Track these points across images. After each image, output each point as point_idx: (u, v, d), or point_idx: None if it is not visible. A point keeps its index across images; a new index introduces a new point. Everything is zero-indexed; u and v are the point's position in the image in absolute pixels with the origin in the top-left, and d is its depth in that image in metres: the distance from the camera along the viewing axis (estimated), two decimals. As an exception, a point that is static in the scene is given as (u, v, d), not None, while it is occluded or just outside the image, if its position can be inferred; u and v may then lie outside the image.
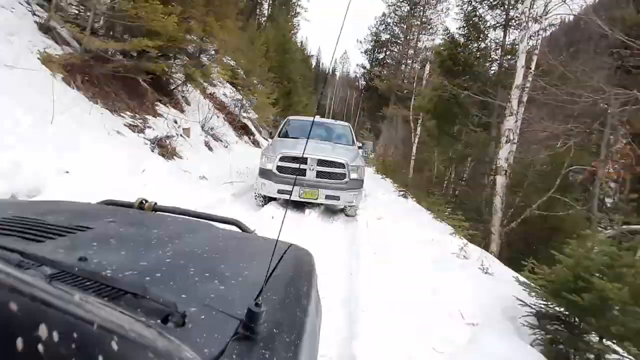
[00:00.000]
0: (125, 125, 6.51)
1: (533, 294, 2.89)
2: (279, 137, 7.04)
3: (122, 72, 7.07)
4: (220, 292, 0.71)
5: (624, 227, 8.41)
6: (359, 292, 2.84)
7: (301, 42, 58.36)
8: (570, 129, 6.78)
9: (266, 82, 16.31)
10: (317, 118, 8.67)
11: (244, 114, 13.99)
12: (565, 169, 7.15)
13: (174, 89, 9.97)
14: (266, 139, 16.86)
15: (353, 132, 7.65)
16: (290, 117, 8.07)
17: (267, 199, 5.88)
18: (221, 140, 10.46)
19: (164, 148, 6.79)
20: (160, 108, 8.43)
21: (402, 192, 8.20)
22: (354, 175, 5.73)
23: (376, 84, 32.30)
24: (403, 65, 37.65)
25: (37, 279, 0.34)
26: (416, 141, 16.42)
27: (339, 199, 5.64)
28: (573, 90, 6.18)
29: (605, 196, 8.28)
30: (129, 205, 1.22)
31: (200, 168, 7.14)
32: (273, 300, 0.74)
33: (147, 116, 7.43)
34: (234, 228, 1.24)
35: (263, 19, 30.29)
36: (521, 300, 2.89)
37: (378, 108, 33.80)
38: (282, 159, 5.59)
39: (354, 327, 2.38)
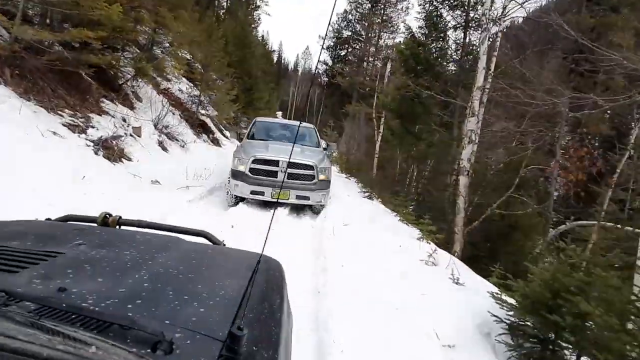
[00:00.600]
0: (63, 124, 5.82)
1: (507, 308, 2.80)
2: (247, 139, 7.23)
3: (60, 66, 6.33)
4: (201, 314, 0.71)
5: (575, 222, 8.86)
6: (328, 319, 2.59)
7: (262, 37, 57.23)
8: (527, 130, 6.92)
9: (225, 77, 15.65)
10: (284, 120, 9.81)
11: (202, 111, 13.30)
12: (523, 168, 7.34)
13: (122, 84, 9.19)
14: (227, 137, 16.25)
15: (318, 134, 7.95)
16: (258, 119, 8.30)
17: (239, 199, 6.05)
18: (177, 140, 9.82)
19: (109, 150, 6.15)
20: (107, 105, 7.70)
21: (367, 194, 8.07)
22: (322, 177, 6.09)
23: (338, 81, 32.28)
24: (365, 63, 37.94)
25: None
26: (379, 139, 16.48)
27: (309, 199, 5.98)
28: (531, 91, 6.29)
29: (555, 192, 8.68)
30: (91, 221, 1.18)
31: (152, 171, 6.58)
32: (250, 318, 0.75)
33: (90, 114, 6.72)
34: (203, 240, 1.23)
35: (222, 11, 29.18)
36: (496, 316, 2.78)
37: (341, 105, 33.85)
38: (255, 161, 5.85)
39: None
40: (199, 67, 13.24)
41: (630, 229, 7.90)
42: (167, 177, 6.60)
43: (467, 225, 7.64)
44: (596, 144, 9.32)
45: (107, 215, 1.18)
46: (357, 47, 43.35)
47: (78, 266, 0.79)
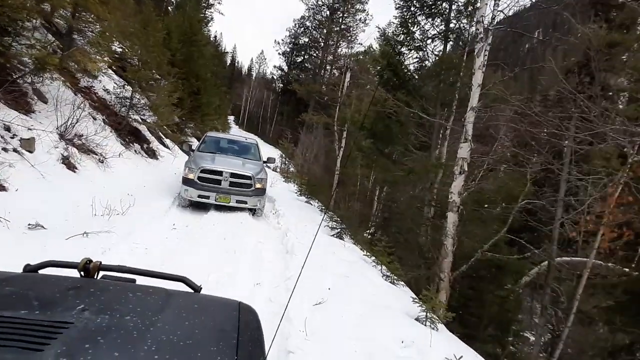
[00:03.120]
0: None
1: None
2: (198, 151, 8.24)
3: None
4: None
5: (558, 259, 8.02)
6: None
7: (215, 37, 54.43)
8: (527, 159, 5.86)
9: (167, 77, 13.51)
10: (230, 135, 11.55)
11: (136, 117, 11.10)
12: (520, 202, 6.29)
13: (17, 78, 6.94)
14: (167, 148, 14.01)
15: (259, 149, 9.10)
16: (208, 134, 9.51)
17: (189, 202, 7.11)
18: (94, 153, 7.69)
19: (-37, 177, 4.09)
20: (-18, 107, 5.52)
21: (337, 230, 6.59)
22: (258, 185, 7.19)
23: (295, 88, 30.86)
24: (322, 71, 36.94)
25: None
26: (341, 154, 15.19)
27: (246, 203, 7.12)
28: (535, 118, 5.21)
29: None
30: (72, 266, 1.16)
31: (38, 206, 4.57)
32: None
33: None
34: (182, 285, 1.26)
35: (171, 7, 26.61)
36: None
37: (297, 113, 32.45)
38: (203, 171, 6.98)
39: None
40: (133, 62, 11.07)
41: (621, 268, 7.13)
42: (60, 215, 4.62)
43: (453, 269, 6.42)
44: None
45: (89, 262, 1.17)
46: (315, 54, 42.34)
47: (92, 339, 0.81)
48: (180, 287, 1.21)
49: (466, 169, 6.05)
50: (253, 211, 7.34)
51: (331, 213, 7.95)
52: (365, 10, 33.90)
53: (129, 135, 10.62)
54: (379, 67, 8.04)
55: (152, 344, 0.83)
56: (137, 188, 7.22)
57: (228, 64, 67.61)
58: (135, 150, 10.44)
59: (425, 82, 7.95)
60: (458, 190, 6.07)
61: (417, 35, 8.02)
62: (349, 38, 34.65)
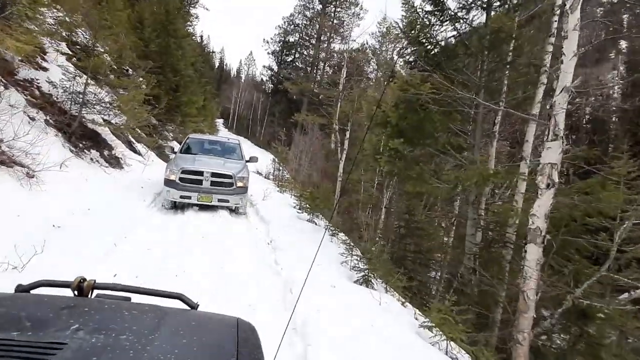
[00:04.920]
0: None
1: None
2: (180, 152, 8.37)
3: None
4: None
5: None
6: None
7: (201, 37, 52.10)
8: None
9: (137, 69, 11.38)
10: (212, 137, 11.40)
11: (95, 116, 8.94)
12: (628, 224, 4.33)
13: None
14: (139, 154, 11.82)
15: (242, 149, 9.04)
16: (190, 135, 9.58)
17: (174, 203, 7.26)
18: (20, 165, 5.55)
19: None
20: None
21: (361, 274, 4.50)
22: (240, 184, 7.33)
23: (286, 87, 28.80)
24: (315, 69, 34.97)
25: None
26: (343, 158, 13.16)
27: (228, 202, 7.29)
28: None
29: None
30: (66, 285, 1.14)
31: None
32: None
33: None
34: (178, 302, 1.22)
35: None
36: None
37: (289, 114, 30.40)
38: (184, 172, 7.16)
39: None
40: (86, 46, 8.93)
41: None
42: None
43: (533, 326, 4.42)
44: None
45: (82, 280, 1.15)
46: (305, 53, 40.35)
47: (86, 359, 0.79)
48: (177, 304, 1.16)
49: (557, 179, 4.06)
50: (234, 210, 7.49)
51: (347, 240, 5.94)
52: (358, 3, 32.03)
53: (84, 140, 8.46)
54: (405, 42, 6.11)
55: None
56: (74, 214, 5.09)
57: (216, 67, 65.47)
58: (91, 159, 8.28)
59: (464, 60, 6.03)
60: (545, 212, 4.08)
61: (450, 2, 6.15)
62: (343, 33, 32.70)
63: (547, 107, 4.13)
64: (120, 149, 9.69)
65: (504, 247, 5.55)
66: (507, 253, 5.51)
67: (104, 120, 9.90)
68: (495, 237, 5.95)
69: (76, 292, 1.13)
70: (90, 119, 8.90)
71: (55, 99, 8.29)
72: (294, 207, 8.60)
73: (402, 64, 8.08)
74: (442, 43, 6.10)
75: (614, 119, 26.34)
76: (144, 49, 13.22)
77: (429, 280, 8.06)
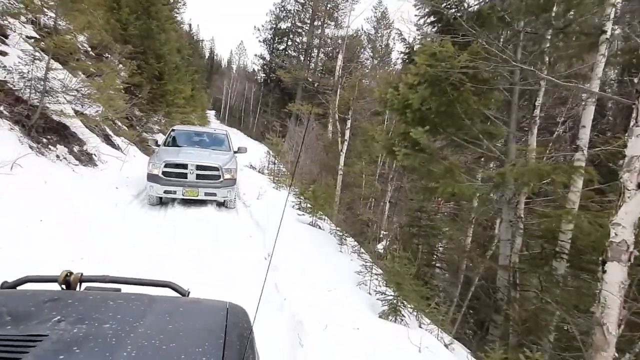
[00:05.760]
0: None
1: None
2: (164, 145, 7.93)
3: None
4: None
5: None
6: None
7: (189, 25, 50.19)
8: None
9: (114, 54, 10.17)
10: (198, 128, 10.86)
11: (63, 107, 7.76)
12: None
13: None
14: (118, 148, 10.67)
15: (230, 139, 8.67)
16: (175, 127, 9.00)
17: (159, 199, 6.85)
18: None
19: None
20: None
21: (388, 301, 3.46)
22: (227, 176, 6.91)
23: (280, 75, 27.52)
24: (309, 57, 33.64)
25: None
26: (344, 149, 12.10)
27: (216, 195, 6.88)
28: None
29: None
30: (52, 280, 1.12)
31: None
32: None
33: None
34: (168, 291, 1.22)
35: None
36: None
37: (283, 104, 29.18)
38: (167, 165, 6.69)
39: None
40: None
41: None
42: None
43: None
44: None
45: (69, 274, 1.12)
46: (298, 40, 38.87)
47: (67, 350, 0.78)
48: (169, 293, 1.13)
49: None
50: (223, 204, 7.17)
51: (358, 248, 4.92)
52: (353, -15, 30.56)
53: (49, 134, 7.30)
54: (427, 9, 5.02)
55: (132, 349, 0.79)
56: (17, 233, 3.99)
57: (207, 57, 63.63)
58: (57, 156, 7.14)
59: (498, 30, 4.91)
60: (634, 221, 3.08)
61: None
62: (337, 18, 31.31)
63: (636, 81, 3.10)
64: (94, 143, 8.53)
65: (556, 259, 4.55)
66: (560, 266, 4.53)
67: (76, 111, 8.73)
68: (544, 246, 4.95)
69: (64, 287, 1.11)
70: (58, 110, 7.71)
71: (11, 86, 7.09)
72: (293, 206, 7.55)
73: (420, 36, 6.94)
74: (475, 7, 4.98)
75: None
76: (122, 32, 11.94)
77: (450, 291, 7.11)
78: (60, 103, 7.50)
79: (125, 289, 1.10)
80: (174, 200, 7.14)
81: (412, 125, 4.74)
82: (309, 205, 6.75)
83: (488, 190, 4.77)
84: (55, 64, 7.83)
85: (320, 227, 6.42)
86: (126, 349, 0.78)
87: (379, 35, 31.76)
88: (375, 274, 4.27)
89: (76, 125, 8.28)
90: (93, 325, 0.85)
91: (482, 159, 6.16)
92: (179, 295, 1.17)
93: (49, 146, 7.15)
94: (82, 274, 1.12)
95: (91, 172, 7.50)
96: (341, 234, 5.78)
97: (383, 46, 34.41)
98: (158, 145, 8.08)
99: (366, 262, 4.29)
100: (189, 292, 1.19)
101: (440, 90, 4.43)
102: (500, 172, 4.39)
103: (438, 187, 4.41)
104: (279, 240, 5.20)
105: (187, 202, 7.10)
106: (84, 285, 1.13)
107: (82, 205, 5.57)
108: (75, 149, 7.86)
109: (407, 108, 4.74)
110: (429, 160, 4.72)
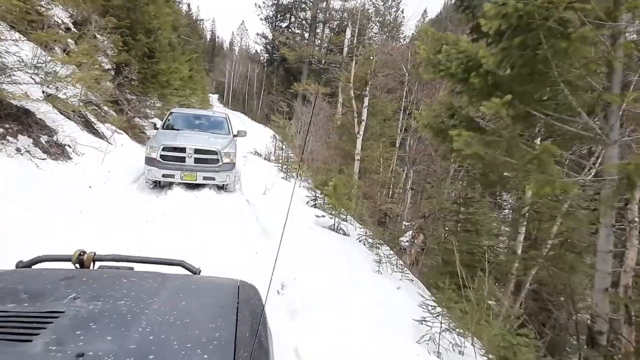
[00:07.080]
0: None
1: None
2: (162, 129, 7.76)
3: None
4: None
5: None
6: None
7: (188, 5, 47.97)
8: None
9: (88, 25, 8.74)
10: (197, 111, 11.08)
11: (28, 88, 6.38)
12: None
13: None
14: (104, 137, 9.32)
15: (229, 122, 8.47)
16: (174, 110, 8.90)
17: (157, 183, 6.80)
18: None
19: None
20: None
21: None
22: (226, 160, 6.81)
23: (284, 53, 25.76)
24: (314, 33, 31.67)
25: None
26: (361, 131, 10.62)
27: (214, 179, 6.80)
28: None
29: None
30: (66, 259, 1.15)
31: None
32: (244, 357, 0.77)
33: None
34: (180, 269, 1.21)
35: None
36: None
37: (287, 84, 27.54)
38: (164, 149, 6.60)
39: None
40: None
41: None
42: None
43: None
44: None
45: (82, 253, 1.15)
46: (302, 15, 36.74)
47: (83, 325, 0.79)
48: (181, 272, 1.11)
49: None
50: (223, 187, 7.10)
51: (397, 261, 3.57)
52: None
53: (7, 122, 5.97)
54: None
55: (146, 325, 0.80)
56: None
57: (208, 39, 61.60)
58: (18, 149, 5.86)
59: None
60: None
61: None
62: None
63: None
64: (68, 132, 7.17)
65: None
66: None
67: (46, 94, 7.36)
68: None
69: (77, 265, 1.14)
70: (20, 93, 6.34)
71: (-47, 63, 5.73)
72: (307, 202, 6.18)
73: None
74: None
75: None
76: (104, 2, 10.43)
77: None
78: (19, 84, 6.13)
79: (138, 267, 1.10)
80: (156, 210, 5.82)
81: (481, 97, 3.31)
82: (327, 203, 5.37)
83: (606, 190, 3.32)
84: (13, 34, 6.43)
85: (345, 233, 5.06)
86: (141, 324, 0.80)
87: (387, 5, 29.62)
88: (431, 306, 2.92)
89: (44, 111, 6.91)
90: (108, 302, 0.87)
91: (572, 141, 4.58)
92: (190, 273, 1.18)
93: (7, 137, 5.84)
94: (95, 253, 1.15)
95: (61, 168, 6.19)
96: (372, 241, 4.42)
97: (392, 19, 32.33)
98: (157, 128, 7.95)
99: (427, 302, 2.90)
100: (200, 270, 1.21)
101: (528, 42, 2.96)
102: (622, 166, 2.95)
103: (521, 182, 3.07)
104: (293, 259, 3.81)
105: (175, 212, 5.76)
106: (97, 264, 1.15)
107: (22, 222, 4.21)
108: (43, 139, 6.52)
109: (474, 72, 3.27)
110: (504, 146, 3.27)
